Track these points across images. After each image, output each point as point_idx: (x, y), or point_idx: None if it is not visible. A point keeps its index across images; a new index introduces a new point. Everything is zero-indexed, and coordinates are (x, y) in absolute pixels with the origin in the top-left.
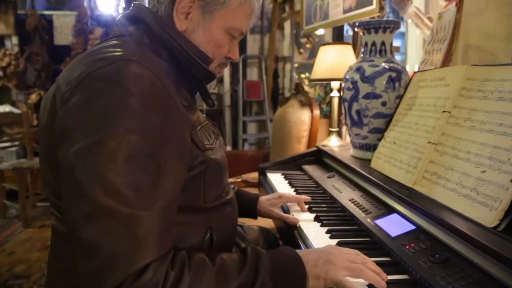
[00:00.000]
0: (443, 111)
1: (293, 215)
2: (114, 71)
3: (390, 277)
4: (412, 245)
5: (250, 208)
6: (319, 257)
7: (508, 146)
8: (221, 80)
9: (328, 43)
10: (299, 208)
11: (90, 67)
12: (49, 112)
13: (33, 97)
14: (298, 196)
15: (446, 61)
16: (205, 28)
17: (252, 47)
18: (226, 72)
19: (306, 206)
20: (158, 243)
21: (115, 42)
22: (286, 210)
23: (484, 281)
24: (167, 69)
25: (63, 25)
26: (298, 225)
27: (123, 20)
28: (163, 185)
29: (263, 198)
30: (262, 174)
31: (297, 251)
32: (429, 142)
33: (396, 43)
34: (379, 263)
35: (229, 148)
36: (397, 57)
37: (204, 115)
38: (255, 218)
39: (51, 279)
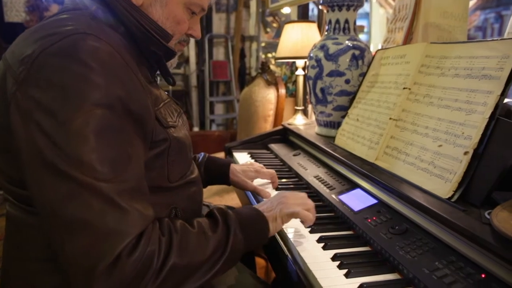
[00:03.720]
0: (404, 88)
1: None
2: (70, 46)
3: (352, 249)
4: (374, 218)
5: (221, 174)
6: (272, 202)
7: (462, 121)
8: (186, 60)
9: (293, 21)
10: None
11: (43, 43)
12: None
13: None
14: (272, 171)
15: (408, 39)
16: (162, 3)
17: (218, 26)
18: (192, 52)
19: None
20: (143, 213)
21: (66, 16)
22: None
23: (438, 248)
24: (125, 44)
25: (14, 0)
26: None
27: None
28: (136, 156)
29: (237, 167)
30: (229, 153)
31: (253, 206)
32: (390, 118)
33: (361, 22)
34: (342, 237)
35: (196, 129)
36: (362, 37)
37: (167, 93)
38: (229, 184)
39: (7, 268)
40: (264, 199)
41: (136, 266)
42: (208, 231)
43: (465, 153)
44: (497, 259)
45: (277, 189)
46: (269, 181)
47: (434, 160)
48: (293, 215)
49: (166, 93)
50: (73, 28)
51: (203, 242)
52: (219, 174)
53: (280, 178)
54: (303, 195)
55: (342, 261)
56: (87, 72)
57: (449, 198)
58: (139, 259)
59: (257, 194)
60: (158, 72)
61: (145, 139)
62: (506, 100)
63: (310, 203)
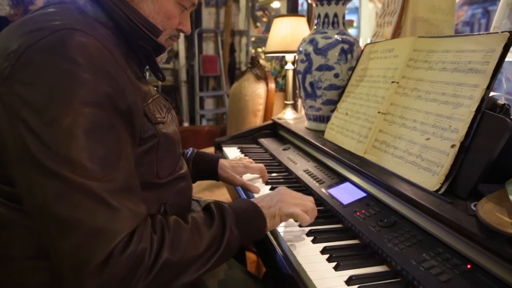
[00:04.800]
0: (392, 82)
1: None
2: (57, 42)
3: (342, 242)
4: (363, 211)
5: (210, 169)
6: (272, 199)
7: (450, 114)
8: (176, 55)
9: (282, 15)
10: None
11: (29, 38)
12: None
13: None
14: (261, 166)
15: (396, 34)
16: None
17: (208, 20)
18: (181, 47)
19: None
20: (134, 210)
21: (53, 9)
22: None
23: (426, 240)
24: (113, 39)
25: None
26: (254, 196)
27: None
28: (126, 153)
29: (225, 162)
30: (218, 148)
31: (252, 199)
32: (379, 112)
33: (351, 17)
34: (331, 230)
35: (186, 124)
36: (352, 31)
37: (156, 89)
38: (217, 180)
39: None
40: (254, 195)
41: (128, 264)
42: (202, 226)
43: (452, 146)
44: (482, 249)
45: (267, 183)
46: (259, 175)
47: (422, 153)
48: (293, 215)
49: (155, 89)
50: (60, 23)
51: (196, 238)
52: (208, 169)
53: (270, 172)
54: (302, 194)
55: (332, 254)
56: (75, 69)
57: (437, 191)
58: (131, 257)
59: (246, 189)
60: (147, 67)
61: (134, 135)
62: (491, 94)
63: (310, 205)
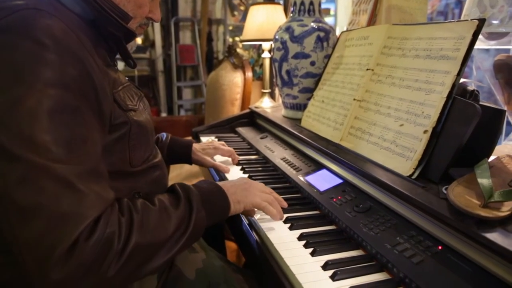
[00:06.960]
0: (367, 69)
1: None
2: (20, 22)
3: (318, 228)
4: (339, 197)
5: (184, 153)
6: (236, 185)
7: (422, 100)
8: (152, 45)
9: (259, 3)
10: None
11: None
12: None
13: None
14: (231, 149)
15: (371, 21)
16: None
17: (184, 9)
18: (158, 36)
19: (239, 167)
20: (101, 195)
21: None
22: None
23: (400, 224)
24: (81, 25)
25: None
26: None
27: None
28: (92, 138)
29: (197, 146)
30: (196, 138)
31: (216, 182)
32: (354, 99)
33: (328, 6)
34: (308, 217)
35: (164, 115)
36: (329, 20)
37: (127, 78)
38: (190, 163)
39: None
40: (225, 175)
41: (95, 249)
42: (169, 207)
43: (425, 131)
44: (452, 231)
45: (244, 171)
46: (229, 158)
47: (396, 139)
48: (259, 207)
49: (126, 78)
50: (23, 3)
51: (165, 219)
52: (182, 153)
53: (247, 161)
54: (263, 186)
55: (308, 240)
56: (40, 50)
57: (410, 176)
58: (98, 242)
59: (217, 170)
60: (118, 56)
61: (101, 120)
62: (462, 80)
63: (270, 198)
